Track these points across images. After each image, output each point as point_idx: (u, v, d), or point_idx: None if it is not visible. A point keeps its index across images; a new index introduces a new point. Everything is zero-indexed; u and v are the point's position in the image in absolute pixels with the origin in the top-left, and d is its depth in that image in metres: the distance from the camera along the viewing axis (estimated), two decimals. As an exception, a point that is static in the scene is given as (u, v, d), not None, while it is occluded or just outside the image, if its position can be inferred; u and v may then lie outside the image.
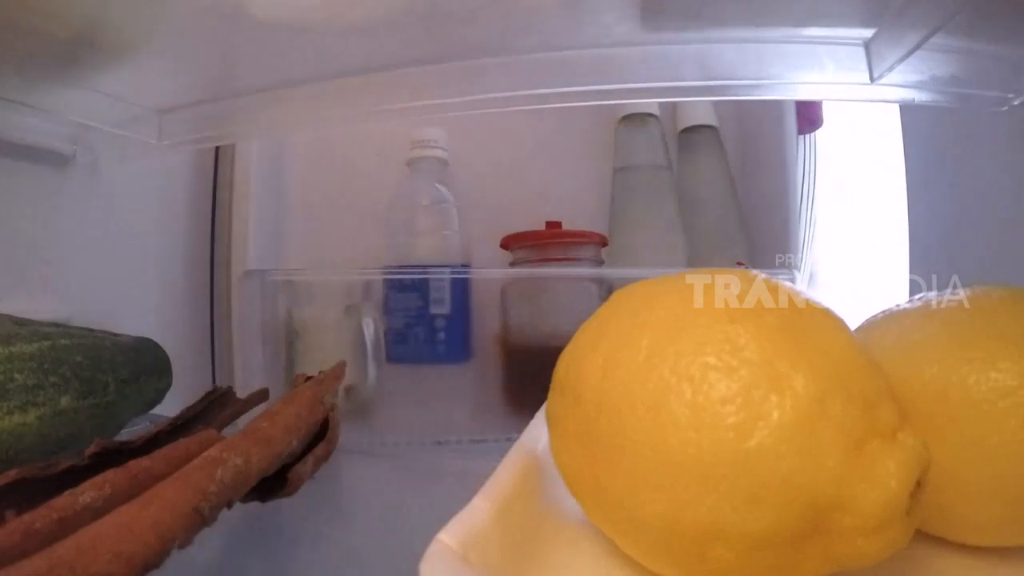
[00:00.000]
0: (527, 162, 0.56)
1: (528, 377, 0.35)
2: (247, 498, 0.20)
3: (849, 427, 0.12)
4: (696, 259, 0.50)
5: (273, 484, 0.21)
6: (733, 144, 0.55)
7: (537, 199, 0.52)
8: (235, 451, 0.18)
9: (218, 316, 0.51)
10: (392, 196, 0.49)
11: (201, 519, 0.15)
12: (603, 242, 0.46)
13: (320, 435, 0.25)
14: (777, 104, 0.53)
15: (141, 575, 0.13)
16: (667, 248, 0.49)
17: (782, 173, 0.53)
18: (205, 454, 0.17)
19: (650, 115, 0.52)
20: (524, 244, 0.45)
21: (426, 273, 0.43)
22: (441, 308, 0.42)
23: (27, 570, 0.12)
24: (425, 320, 0.42)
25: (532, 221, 0.46)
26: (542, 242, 0.44)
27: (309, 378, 0.29)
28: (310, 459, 0.22)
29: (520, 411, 0.39)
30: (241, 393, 0.31)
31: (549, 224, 0.46)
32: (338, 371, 0.30)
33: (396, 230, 0.48)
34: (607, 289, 0.42)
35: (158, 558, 0.13)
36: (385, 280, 0.43)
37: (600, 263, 0.46)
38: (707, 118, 0.54)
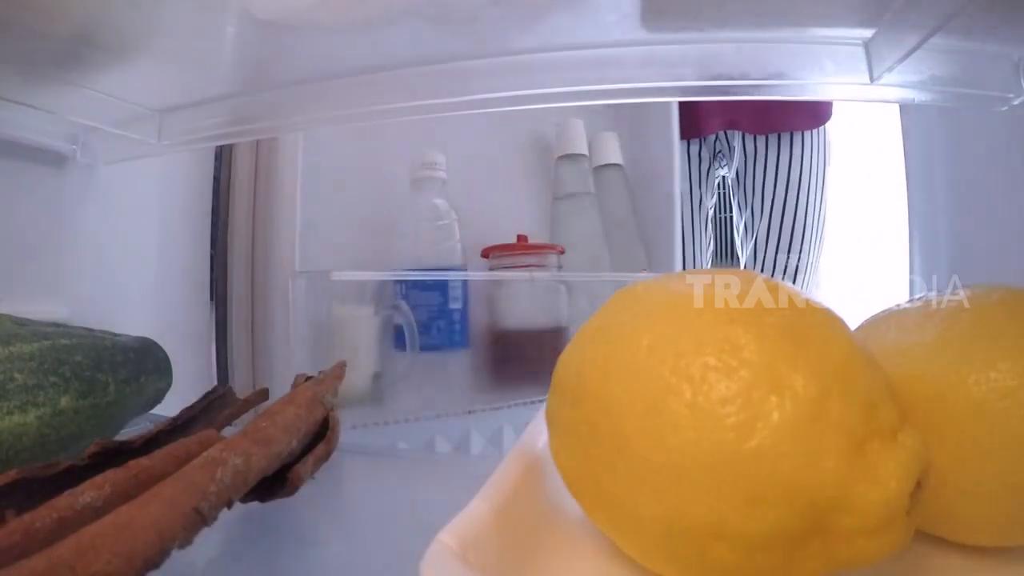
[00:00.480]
0: (488, 188, 0.65)
1: (513, 357, 0.53)
2: (247, 498, 0.20)
3: (849, 427, 0.12)
4: (615, 264, 0.65)
5: (273, 484, 0.21)
6: (633, 179, 0.71)
7: (494, 218, 0.63)
8: (235, 451, 0.18)
9: (236, 316, 0.52)
10: (403, 209, 0.57)
11: (201, 519, 0.15)
12: (562, 251, 0.58)
13: (320, 435, 0.24)
14: (666, 149, 0.70)
15: (141, 575, 0.13)
16: (595, 257, 0.63)
17: (668, 202, 0.71)
18: (205, 454, 0.17)
19: (581, 155, 0.66)
20: (503, 253, 0.56)
21: (450, 275, 0.54)
22: (457, 304, 0.53)
23: (27, 570, 0.12)
24: (446, 314, 0.53)
25: (496, 236, 0.57)
26: (518, 252, 0.56)
27: (309, 378, 0.29)
28: (310, 459, 0.22)
29: (508, 383, 0.51)
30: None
31: (519, 237, 0.57)
32: (338, 371, 0.30)
33: (412, 238, 0.55)
34: (567, 289, 0.55)
35: (158, 558, 0.13)
36: (405, 281, 0.52)
37: (560, 268, 0.58)
38: (615, 158, 0.69)
